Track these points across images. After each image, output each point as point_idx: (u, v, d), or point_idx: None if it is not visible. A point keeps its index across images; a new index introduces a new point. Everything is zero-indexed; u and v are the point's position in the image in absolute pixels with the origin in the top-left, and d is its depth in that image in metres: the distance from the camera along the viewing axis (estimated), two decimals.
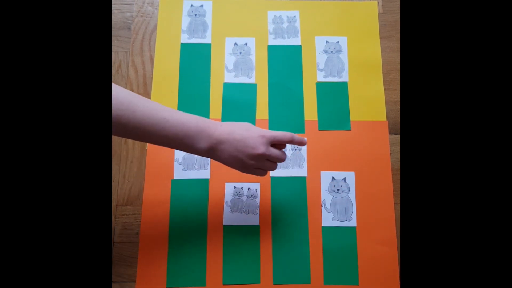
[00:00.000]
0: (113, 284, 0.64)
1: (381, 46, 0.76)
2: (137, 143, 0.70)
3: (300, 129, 0.72)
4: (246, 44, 0.76)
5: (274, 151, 0.55)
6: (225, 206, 0.67)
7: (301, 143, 0.58)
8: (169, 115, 0.52)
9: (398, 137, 0.72)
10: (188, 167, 0.69)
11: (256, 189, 0.68)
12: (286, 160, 0.69)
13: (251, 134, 0.54)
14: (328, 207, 0.68)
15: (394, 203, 0.68)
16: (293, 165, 0.69)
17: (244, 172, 0.56)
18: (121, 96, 0.50)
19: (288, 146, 0.70)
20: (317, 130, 0.72)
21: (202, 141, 0.53)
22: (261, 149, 0.54)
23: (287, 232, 0.66)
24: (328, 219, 0.67)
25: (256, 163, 0.55)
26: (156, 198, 0.68)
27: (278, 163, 0.58)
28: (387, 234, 0.67)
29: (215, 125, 0.54)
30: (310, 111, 0.73)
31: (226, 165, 0.56)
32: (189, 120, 0.53)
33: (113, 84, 0.51)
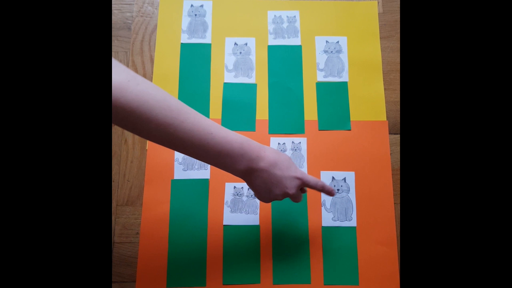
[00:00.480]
0: (113, 284, 0.64)
1: (381, 46, 0.76)
2: (137, 143, 0.70)
3: (300, 129, 0.72)
4: (246, 44, 0.76)
5: (299, 194, 0.57)
6: (225, 206, 0.67)
7: (330, 193, 0.58)
8: (215, 131, 0.50)
9: (398, 137, 0.72)
10: (188, 167, 0.69)
11: None
12: None
13: (290, 173, 0.54)
14: (328, 207, 0.68)
15: (394, 203, 0.68)
16: None
17: (261, 198, 0.56)
18: (173, 104, 0.48)
19: (288, 146, 0.70)
20: (317, 130, 0.72)
21: (242, 163, 0.52)
22: (293, 190, 0.54)
23: (287, 232, 0.66)
24: (328, 219, 0.67)
25: (280, 198, 0.55)
26: (156, 198, 0.68)
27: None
28: (387, 234, 0.67)
29: (258, 150, 0.52)
30: (310, 111, 0.73)
31: (251, 187, 0.55)
32: (234, 140, 0.51)
33: (163, 90, 0.49)
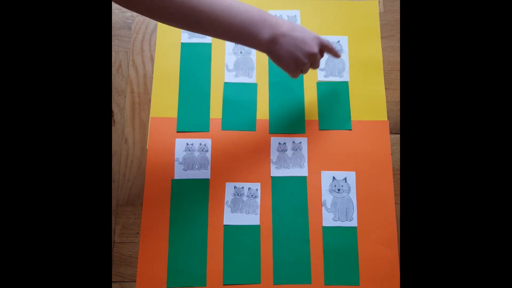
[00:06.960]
0: (113, 284, 0.64)
1: (382, 46, 0.76)
2: (138, 143, 0.70)
3: (300, 129, 0.71)
4: None
5: (318, 57, 0.61)
6: (225, 206, 0.67)
7: (336, 55, 0.64)
8: (233, 1, 0.53)
9: (399, 136, 0.71)
10: (188, 167, 0.69)
11: (257, 189, 0.68)
12: (287, 160, 0.69)
13: (308, 34, 0.58)
14: (329, 207, 0.68)
15: (395, 203, 0.68)
16: (294, 165, 0.69)
17: (291, 70, 0.59)
18: None
19: (289, 145, 0.70)
20: (318, 130, 0.71)
21: (266, 30, 0.55)
22: (315, 49, 0.58)
23: (287, 232, 0.66)
24: (328, 219, 0.67)
25: (308, 62, 0.59)
26: (156, 198, 0.68)
27: None
28: (388, 234, 0.66)
29: (275, 17, 0.56)
30: (311, 111, 0.73)
31: (278, 61, 0.58)
32: (252, 9, 0.54)
33: None
